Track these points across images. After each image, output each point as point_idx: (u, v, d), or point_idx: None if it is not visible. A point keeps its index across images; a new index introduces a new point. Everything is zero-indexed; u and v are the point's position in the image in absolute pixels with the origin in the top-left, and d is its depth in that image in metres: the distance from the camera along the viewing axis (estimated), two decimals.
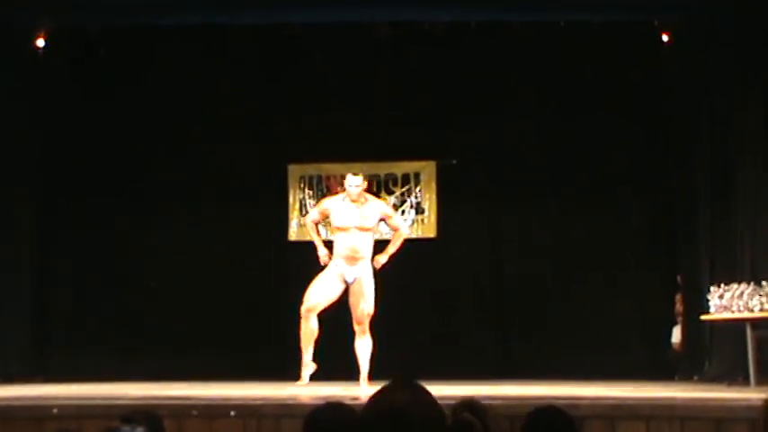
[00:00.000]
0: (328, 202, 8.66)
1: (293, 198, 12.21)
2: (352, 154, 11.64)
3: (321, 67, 12.22)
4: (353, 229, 8.25)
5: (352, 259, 8.23)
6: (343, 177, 8.84)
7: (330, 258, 8.32)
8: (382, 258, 8.38)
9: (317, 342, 8.29)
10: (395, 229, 8.67)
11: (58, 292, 12.24)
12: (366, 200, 8.42)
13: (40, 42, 11.70)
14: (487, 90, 12.19)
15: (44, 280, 12.06)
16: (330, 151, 11.87)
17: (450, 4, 11.07)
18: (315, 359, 8.40)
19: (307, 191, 12.13)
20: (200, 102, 12.24)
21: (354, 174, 8.46)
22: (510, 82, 12.19)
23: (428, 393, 2.50)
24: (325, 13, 11.30)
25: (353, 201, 8.31)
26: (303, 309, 8.28)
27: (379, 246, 8.84)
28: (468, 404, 2.74)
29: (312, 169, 12.22)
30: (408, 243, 12.25)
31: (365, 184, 8.51)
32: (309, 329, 8.24)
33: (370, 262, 8.35)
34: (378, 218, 8.42)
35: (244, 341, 11.77)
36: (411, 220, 12.45)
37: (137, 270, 12.21)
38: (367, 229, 8.30)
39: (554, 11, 11.29)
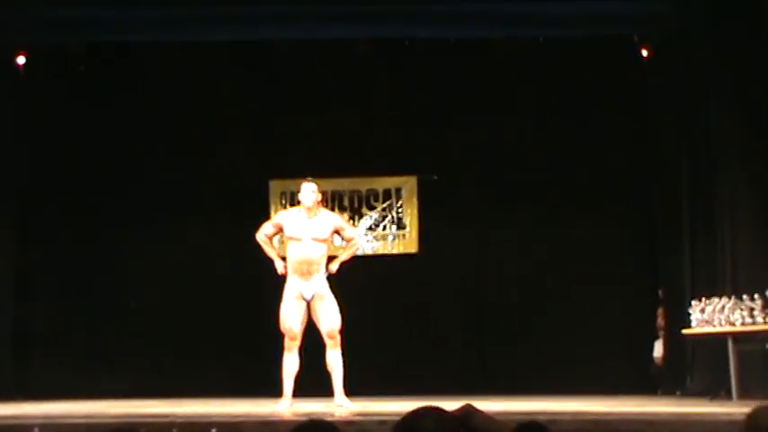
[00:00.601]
0: (282, 215, 8.73)
1: (275, 214, 12.18)
2: (334, 169, 11.64)
3: (302, 82, 12.22)
4: (307, 239, 8.25)
5: (307, 274, 8.21)
6: (325, 193, 8.85)
7: (287, 270, 8.32)
8: (333, 266, 8.38)
9: (297, 378, 8.26)
10: (349, 240, 8.67)
11: (38, 310, 12.16)
12: (320, 212, 8.45)
13: (21, 59, 11.71)
14: (469, 105, 12.22)
15: (24, 297, 11.98)
16: (311, 167, 11.86)
17: (433, 21, 11.10)
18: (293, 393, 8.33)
19: (288, 206, 12.11)
20: (182, 118, 12.23)
21: (309, 181, 8.47)
22: (491, 96, 12.21)
23: (453, 418, 2.53)
24: (304, 29, 11.32)
25: (309, 209, 8.32)
26: (285, 340, 8.27)
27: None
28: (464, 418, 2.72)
29: (293, 185, 12.16)
30: (389, 258, 12.35)
31: (320, 195, 8.53)
32: (291, 363, 8.23)
33: (324, 276, 8.33)
34: (331, 230, 8.41)
35: (228, 356, 11.74)
36: (392, 236, 12.45)
37: (116, 288, 12.16)
38: (320, 240, 8.30)
39: (535, 27, 11.34)
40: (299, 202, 8.62)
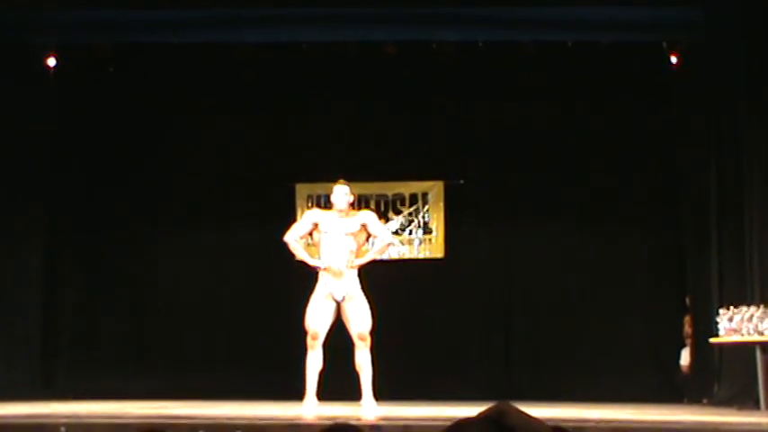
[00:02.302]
0: (315, 212, 8.60)
1: (300, 217, 12.19)
2: (360, 174, 11.62)
3: (328, 85, 12.24)
4: (339, 234, 8.19)
5: (338, 273, 8.16)
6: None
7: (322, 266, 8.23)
8: (358, 260, 8.27)
9: (321, 375, 8.21)
10: (374, 236, 8.54)
11: (65, 311, 12.24)
12: (351, 213, 8.39)
13: (52, 60, 11.82)
14: (496, 110, 12.20)
15: (52, 299, 12.07)
16: (338, 171, 11.86)
17: (461, 24, 11.09)
18: (318, 393, 8.29)
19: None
20: (209, 120, 12.29)
21: (341, 183, 8.41)
22: (519, 102, 12.20)
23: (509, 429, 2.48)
24: (331, 31, 11.33)
25: (340, 211, 8.28)
26: (308, 338, 8.23)
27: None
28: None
29: (320, 188, 12.20)
30: (416, 263, 12.34)
31: (352, 197, 8.46)
32: (314, 361, 8.17)
33: (356, 276, 8.26)
34: (359, 223, 8.31)
35: (251, 360, 11.76)
36: (419, 240, 12.44)
37: (144, 289, 12.23)
38: (351, 234, 8.23)
39: (562, 31, 11.31)
40: (328, 207, 8.55)
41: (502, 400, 2.70)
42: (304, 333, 8.28)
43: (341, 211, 8.26)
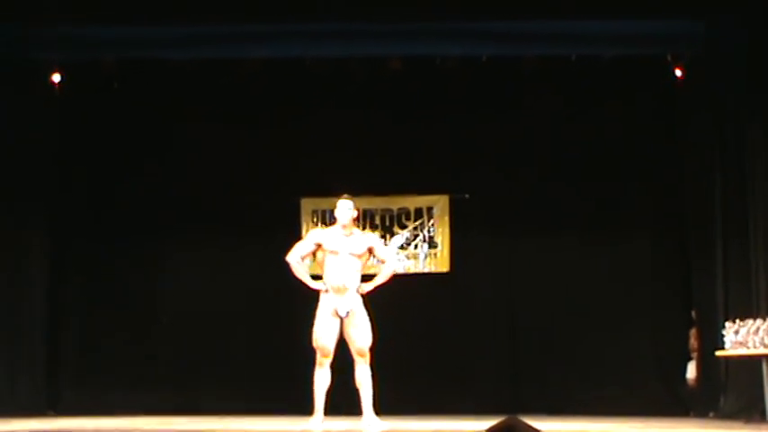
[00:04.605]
0: (318, 232, 8.61)
1: (306, 232, 12.21)
2: (365, 188, 11.63)
3: (333, 100, 12.25)
4: (344, 254, 8.20)
5: (342, 289, 8.17)
6: (356, 212, 8.78)
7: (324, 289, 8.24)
8: (367, 286, 8.28)
9: (328, 393, 8.20)
10: (382, 261, 8.55)
11: (69, 327, 12.24)
12: (354, 230, 8.40)
13: (57, 76, 11.86)
14: (500, 124, 12.21)
15: (56, 315, 12.06)
16: (343, 185, 11.87)
17: (464, 39, 11.12)
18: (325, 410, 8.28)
19: (320, 225, 12.13)
20: (213, 135, 12.29)
21: (345, 198, 8.43)
22: (523, 115, 12.21)
23: None
24: (337, 46, 11.35)
25: (344, 227, 8.29)
26: (318, 356, 8.22)
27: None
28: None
29: (325, 203, 12.21)
30: (421, 277, 12.33)
31: (356, 213, 8.47)
32: (323, 378, 8.17)
33: (358, 293, 8.28)
34: (366, 246, 8.33)
35: (259, 373, 11.76)
36: (424, 255, 12.44)
37: (149, 304, 12.23)
38: (356, 256, 8.24)
39: (564, 45, 11.32)
40: (333, 221, 8.56)
41: (510, 415, 2.72)
42: (312, 350, 8.27)
43: (345, 226, 8.27)
